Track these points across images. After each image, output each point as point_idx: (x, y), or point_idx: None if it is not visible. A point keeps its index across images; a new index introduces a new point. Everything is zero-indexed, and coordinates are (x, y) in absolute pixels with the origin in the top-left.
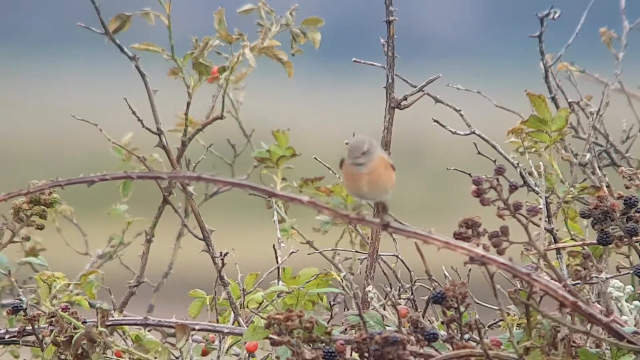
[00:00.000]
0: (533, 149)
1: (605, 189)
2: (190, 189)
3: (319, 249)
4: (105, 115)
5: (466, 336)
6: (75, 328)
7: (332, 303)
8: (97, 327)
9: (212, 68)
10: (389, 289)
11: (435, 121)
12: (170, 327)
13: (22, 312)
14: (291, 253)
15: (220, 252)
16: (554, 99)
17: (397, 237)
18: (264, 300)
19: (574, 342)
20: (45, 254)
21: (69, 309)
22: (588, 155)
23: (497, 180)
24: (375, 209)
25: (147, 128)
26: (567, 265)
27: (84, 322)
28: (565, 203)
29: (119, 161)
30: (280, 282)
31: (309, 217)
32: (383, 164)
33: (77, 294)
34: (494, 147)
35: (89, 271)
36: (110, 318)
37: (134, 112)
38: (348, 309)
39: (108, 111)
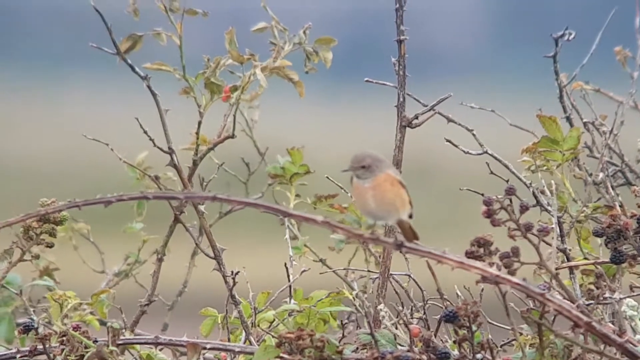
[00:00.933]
0: (545, 168)
1: (618, 208)
2: (202, 208)
3: (331, 267)
4: (116, 134)
5: (478, 356)
6: (86, 347)
7: (343, 322)
8: (108, 346)
9: (224, 87)
10: (400, 307)
11: (447, 141)
12: (182, 345)
13: (33, 331)
14: (303, 271)
15: (232, 271)
16: (568, 119)
17: (409, 257)
18: (275, 319)
19: None
20: (61, 273)
21: (80, 328)
22: (601, 175)
23: (510, 200)
24: (399, 230)
25: (158, 147)
26: (580, 285)
27: (95, 341)
28: (578, 222)
29: (131, 179)
30: (292, 301)
31: (322, 234)
32: (389, 180)
33: (91, 313)
34: (506, 166)
35: (100, 290)
36: (121, 337)
37: (145, 132)
38: (360, 328)
39: (120, 130)
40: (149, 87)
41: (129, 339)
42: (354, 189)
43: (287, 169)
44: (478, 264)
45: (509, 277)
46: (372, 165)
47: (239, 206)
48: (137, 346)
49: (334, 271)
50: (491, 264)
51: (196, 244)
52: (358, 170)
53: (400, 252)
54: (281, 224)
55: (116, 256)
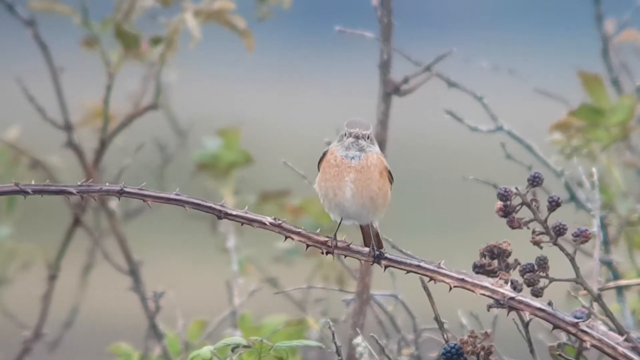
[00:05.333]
0: (584, 151)
1: None
2: (113, 204)
3: (284, 285)
4: None
5: None
6: None
7: None
8: None
9: (141, 39)
10: (384, 341)
11: (448, 113)
12: None
13: None
14: (252, 292)
15: (155, 293)
16: (615, 82)
17: (394, 271)
18: (213, 357)
19: None
20: None
21: None
22: None
23: (535, 193)
24: (362, 234)
25: (50, 120)
26: (633, 311)
27: None
28: (629, 225)
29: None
30: (237, 332)
31: (270, 241)
32: (379, 166)
33: None
34: (528, 148)
35: None
36: None
37: (31, 99)
38: None
39: None
40: (36, 36)
41: None
42: (326, 163)
43: (219, 157)
44: (486, 283)
45: (528, 300)
46: (372, 140)
47: (157, 203)
48: None
49: (290, 291)
50: (505, 281)
51: (102, 254)
52: (361, 140)
53: (379, 265)
54: (212, 231)
55: None
